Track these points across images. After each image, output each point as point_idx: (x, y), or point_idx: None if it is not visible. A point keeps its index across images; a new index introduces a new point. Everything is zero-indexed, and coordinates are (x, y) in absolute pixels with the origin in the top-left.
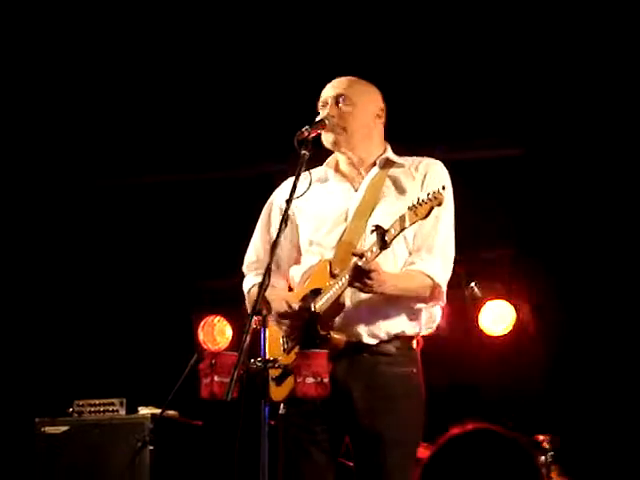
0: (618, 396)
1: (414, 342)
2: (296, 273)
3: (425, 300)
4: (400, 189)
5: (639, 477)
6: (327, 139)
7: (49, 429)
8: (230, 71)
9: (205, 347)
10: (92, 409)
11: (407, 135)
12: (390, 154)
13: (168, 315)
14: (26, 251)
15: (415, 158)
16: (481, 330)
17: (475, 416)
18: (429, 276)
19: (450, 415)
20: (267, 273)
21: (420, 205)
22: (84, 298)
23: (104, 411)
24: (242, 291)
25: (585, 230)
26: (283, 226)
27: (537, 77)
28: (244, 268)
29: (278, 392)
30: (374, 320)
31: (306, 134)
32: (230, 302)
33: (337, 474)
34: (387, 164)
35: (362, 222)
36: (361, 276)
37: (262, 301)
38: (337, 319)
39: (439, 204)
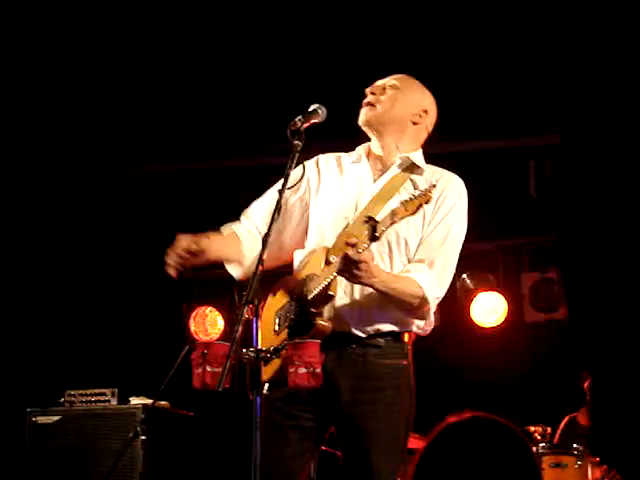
0: (608, 386)
1: (405, 336)
2: (297, 257)
3: (411, 310)
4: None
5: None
6: (362, 116)
7: (41, 419)
8: (234, 61)
9: (197, 337)
10: (84, 399)
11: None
12: (415, 157)
13: (159, 306)
14: (13, 243)
15: (437, 170)
16: (472, 321)
17: (465, 407)
18: (421, 287)
19: (440, 406)
20: (259, 263)
21: (410, 200)
22: (76, 288)
23: (96, 401)
24: (234, 282)
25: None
26: (276, 216)
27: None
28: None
29: (264, 372)
30: (364, 314)
31: (299, 124)
32: (221, 293)
33: (320, 462)
34: (411, 167)
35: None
36: (350, 266)
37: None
38: (327, 308)
39: (427, 202)
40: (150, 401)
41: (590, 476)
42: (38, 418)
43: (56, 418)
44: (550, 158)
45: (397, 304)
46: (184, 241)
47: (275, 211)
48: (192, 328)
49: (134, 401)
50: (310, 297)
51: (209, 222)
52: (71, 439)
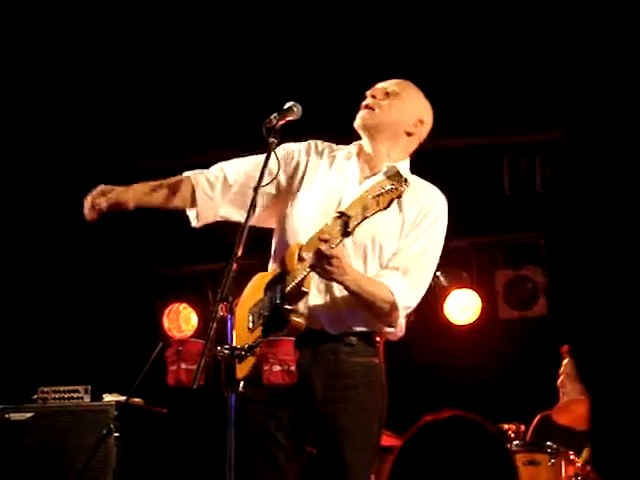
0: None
1: (377, 336)
2: (272, 249)
3: (380, 315)
4: (399, 203)
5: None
6: (359, 119)
7: (14, 416)
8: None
9: (170, 334)
10: (57, 396)
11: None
12: (402, 167)
13: (133, 302)
14: None
15: (423, 183)
16: (446, 319)
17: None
18: (393, 293)
19: (413, 403)
20: (233, 258)
21: (382, 195)
22: (49, 285)
23: (69, 398)
24: (207, 278)
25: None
26: (251, 212)
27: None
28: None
29: (239, 369)
30: (337, 312)
31: (274, 122)
32: (195, 289)
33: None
34: (395, 176)
35: None
36: (322, 261)
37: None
38: (301, 305)
39: (399, 196)
40: (123, 398)
41: (564, 474)
42: (11, 415)
43: (29, 415)
44: (524, 156)
45: (367, 308)
46: (101, 186)
47: (250, 209)
48: (165, 325)
49: (107, 398)
50: (284, 293)
51: (169, 220)
52: (44, 436)
